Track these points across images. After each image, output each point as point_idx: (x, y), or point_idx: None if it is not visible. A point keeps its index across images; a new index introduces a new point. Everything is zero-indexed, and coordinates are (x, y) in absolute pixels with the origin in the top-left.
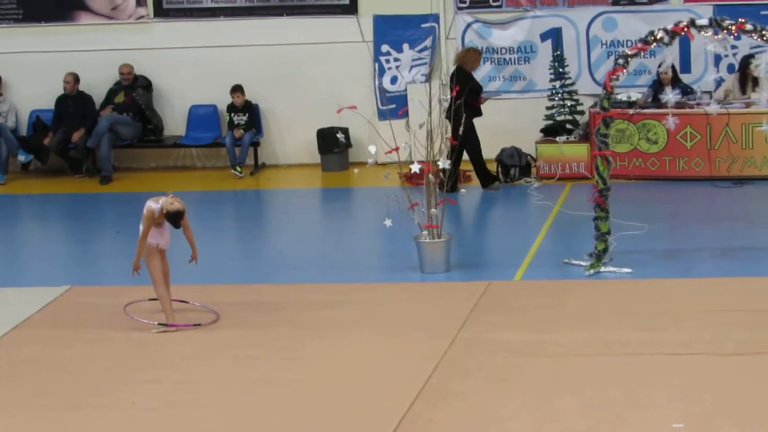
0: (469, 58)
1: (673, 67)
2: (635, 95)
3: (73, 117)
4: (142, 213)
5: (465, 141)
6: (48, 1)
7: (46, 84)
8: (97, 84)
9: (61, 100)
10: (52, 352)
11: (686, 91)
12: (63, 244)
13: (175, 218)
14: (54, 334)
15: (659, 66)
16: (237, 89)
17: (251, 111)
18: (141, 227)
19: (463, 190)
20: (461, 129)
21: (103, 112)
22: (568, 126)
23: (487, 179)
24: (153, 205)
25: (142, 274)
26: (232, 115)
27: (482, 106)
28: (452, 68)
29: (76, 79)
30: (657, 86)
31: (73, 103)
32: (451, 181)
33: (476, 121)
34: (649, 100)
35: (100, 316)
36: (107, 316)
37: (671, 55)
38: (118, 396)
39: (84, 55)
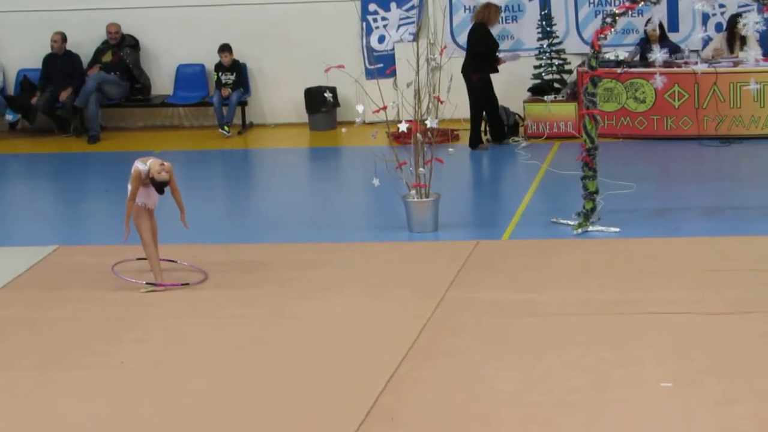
0: (490, 14)
1: (660, 24)
2: (623, 54)
3: (60, 76)
4: (130, 173)
5: (481, 97)
6: None
7: (34, 43)
8: (84, 43)
9: (48, 60)
10: (39, 313)
11: (674, 49)
12: (51, 203)
13: (160, 186)
14: (42, 294)
15: (646, 24)
16: (225, 48)
17: (239, 70)
18: (129, 187)
19: (450, 149)
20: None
21: (90, 71)
22: (556, 85)
23: (476, 141)
24: (140, 166)
25: (131, 234)
26: (220, 74)
27: (500, 66)
28: (440, 26)
29: (64, 38)
30: (644, 44)
31: (61, 63)
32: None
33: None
34: (637, 58)
35: (89, 276)
36: (96, 275)
37: (659, 13)
38: (107, 356)
39: (71, 14)
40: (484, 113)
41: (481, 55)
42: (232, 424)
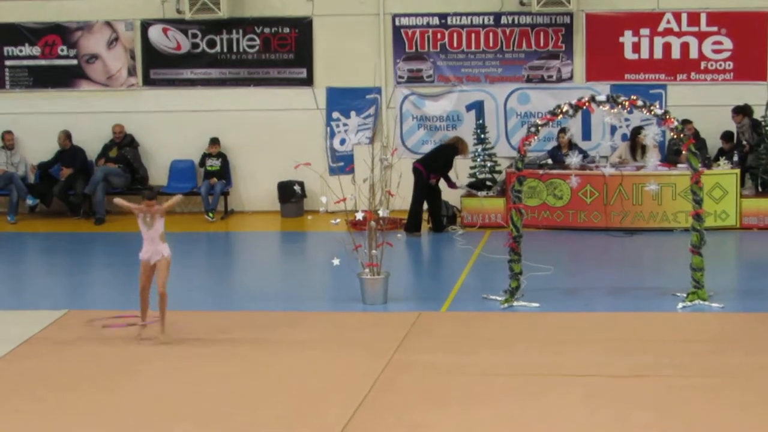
0: (463, 146)
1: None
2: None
3: (69, 166)
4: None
5: (430, 192)
6: (54, 71)
7: (50, 140)
8: (93, 140)
9: (60, 153)
10: (53, 363)
11: (582, 153)
12: (62, 275)
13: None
14: (52, 348)
15: (559, 132)
16: (215, 141)
17: (223, 159)
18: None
19: (399, 235)
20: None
21: (98, 164)
22: (488, 183)
23: (413, 227)
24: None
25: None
26: (207, 159)
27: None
28: (392, 132)
29: (68, 135)
30: (555, 151)
31: (68, 155)
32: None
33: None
34: (549, 161)
35: (91, 335)
36: (97, 333)
37: (574, 125)
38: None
39: (83, 116)
40: (426, 206)
41: (444, 167)
42: None
